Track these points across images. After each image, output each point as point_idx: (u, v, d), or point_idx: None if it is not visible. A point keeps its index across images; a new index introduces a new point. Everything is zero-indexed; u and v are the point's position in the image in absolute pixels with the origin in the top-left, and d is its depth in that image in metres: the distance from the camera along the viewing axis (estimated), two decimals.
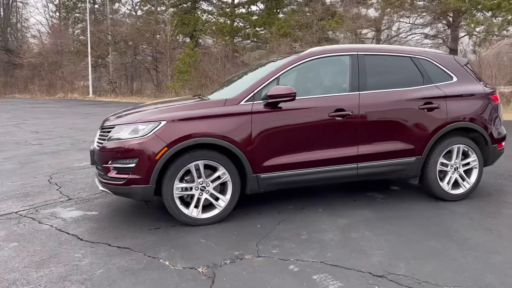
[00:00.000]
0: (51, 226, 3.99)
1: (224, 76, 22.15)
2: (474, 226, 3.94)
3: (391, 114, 4.43)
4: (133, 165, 3.81)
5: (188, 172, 3.90)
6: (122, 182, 3.86)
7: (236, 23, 32.51)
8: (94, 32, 31.80)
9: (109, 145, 3.96)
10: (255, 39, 29.74)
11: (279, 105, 4.08)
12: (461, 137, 4.69)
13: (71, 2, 49.26)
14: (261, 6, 31.69)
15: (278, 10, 30.02)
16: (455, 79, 4.78)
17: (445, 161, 4.64)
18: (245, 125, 3.99)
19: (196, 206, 3.94)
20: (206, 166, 3.95)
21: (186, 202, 3.97)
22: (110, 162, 3.93)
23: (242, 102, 4.07)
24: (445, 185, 4.66)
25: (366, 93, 4.38)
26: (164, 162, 3.80)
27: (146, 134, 3.83)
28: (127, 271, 3.06)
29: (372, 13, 24.69)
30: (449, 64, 4.84)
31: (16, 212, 4.40)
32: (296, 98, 4.15)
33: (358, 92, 4.36)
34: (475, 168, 4.76)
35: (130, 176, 3.82)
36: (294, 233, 3.78)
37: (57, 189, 5.30)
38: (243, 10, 32.08)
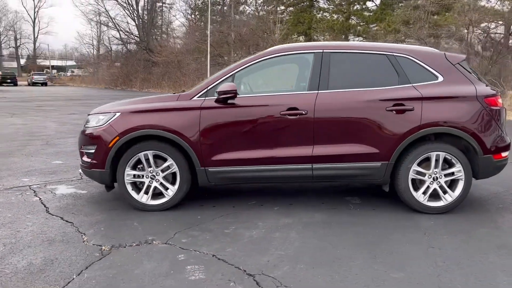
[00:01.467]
0: (39, 198, 4.70)
1: None
2: (417, 241, 3.57)
3: (351, 115, 4.19)
4: (93, 151, 4.30)
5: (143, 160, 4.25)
6: (87, 165, 4.38)
7: (351, 20, 31.91)
8: (213, 32, 34.07)
9: (83, 132, 4.51)
10: (364, 36, 28.79)
11: (230, 102, 4.19)
12: (443, 143, 4.22)
13: (204, 5, 53.19)
14: (377, 1, 30.56)
15: (393, 6, 28.60)
16: (440, 79, 4.30)
17: (420, 169, 4.22)
18: (194, 119, 4.19)
19: (147, 193, 4.28)
20: (157, 157, 4.25)
21: (140, 189, 4.33)
22: (82, 147, 4.48)
23: (195, 98, 4.27)
24: (420, 195, 4.24)
25: (325, 93, 4.22)
26: (116, 150, 4.20)
27: (104, 124, 4.29)
28: (48, 240, 3.53)
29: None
30: (435, 62, 4.36)
31: (29, 186, 5.24)
32: (250, 95, 4.22)
33: (316, 91, 4.22)
34: (460, 179, 4.24)
35: (92, 161, 4.32)
36: (223, 227, 3.88)
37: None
38: (358, 7, 31.28)
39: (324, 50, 4.35)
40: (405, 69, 4.30)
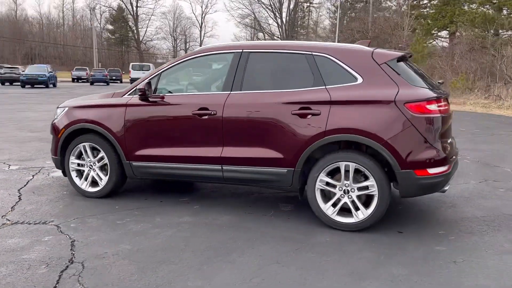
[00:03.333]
0: (33, 178, 5.56)
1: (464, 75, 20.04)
2: (272, 255, 3.32)
3: (257, 118, 4.02)
4: (52, 140, 4.97)
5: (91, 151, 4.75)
6: (51, 153, 5.07)
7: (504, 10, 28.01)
8: (353, 29, 33.46)
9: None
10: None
11: (152, 100, 4.40)
12: (353, 153, 3.76)
13: (348, 3, 52.35)
14: None
15: None
16: (359, 80, 3.83)
17: (330, 180, 3.84)
18: (120, 116, 4.51)
19: (86, 180, 4.77)
20: (94, 149, 4.70)
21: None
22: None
23: (125, 95, 4.59)
24: (328, 209, 3.87)
25: (236, 93, 4.13)
26: (63, 141, 4.78)
27: (57, 117, 4.91)
28: None
29: None
30: (356, 62, 3.88)
31: (43, 167, 6.21)
32: (168, 94, 4.39)
33: (228, 92, 4.16)
34: (375, 195, 3.73)
35: (52, 149, 4.99)
36: (121, 218, 4.12)
37: None
38: None
39: (243, 50, 4.24)
40: (321, 70, 3.94)
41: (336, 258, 3.30)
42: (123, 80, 43.58)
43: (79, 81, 42.45)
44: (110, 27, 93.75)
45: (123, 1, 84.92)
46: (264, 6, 47.02)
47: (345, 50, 4.04)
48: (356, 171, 3.76)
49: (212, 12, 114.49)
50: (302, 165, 3.89)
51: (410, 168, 3.63)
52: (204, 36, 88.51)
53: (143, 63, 39.43)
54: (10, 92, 23.83)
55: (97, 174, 4.71)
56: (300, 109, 3.87)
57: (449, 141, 3.92)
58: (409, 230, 3.90)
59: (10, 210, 4.30)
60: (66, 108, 4.86)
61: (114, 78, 42.38)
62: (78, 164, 4.79)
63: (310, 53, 4.01)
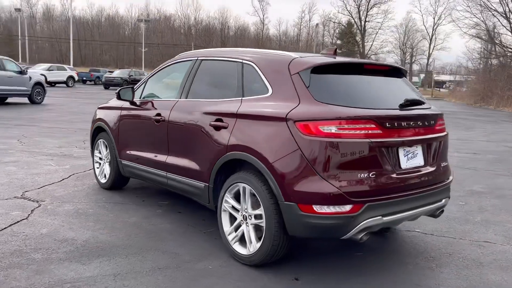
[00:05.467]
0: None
1: None
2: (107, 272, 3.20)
3: (188, 127, 3.88)
4: None
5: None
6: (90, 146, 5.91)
7: None
8: None
9: None
10: None
11: (135, 105, 4.72)
12: (250, 174, 3.26)
13: None
14: None
15: None
16: (269, 92, 3.29)
17: (234, 202, 3.43)
18: (117, 116, 4.99)
19: (102, 172, 5.41)
20: (106, 145, 5.29)
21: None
22: None
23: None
24: (230, 234, 3.46)
25: (181, 101, 4.09)
26: (91, 136, 5.55)
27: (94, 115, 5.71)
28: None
29: None
30: (273, 71, 3.34)
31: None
32: (143, 99, 4.64)
33: (177, 99, 4.14)
34: (262, 226, 3.16)
35: (90, 142, 5.82)
36: (85, 208, 4.59)
37: None
38: None
39: (198, 58, 4.15)
40: (245, 78, 3.55)
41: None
42: None
43: None
44: (338, 42, 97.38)
45: (352, 17, 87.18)
46: (496, 14, 40.96)
47: (268, 58, 3.52)
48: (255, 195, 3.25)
49: (445, 24, 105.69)
50: (213, 182, 3.58)
51: (293, 201, 2.93)
52: (433, 49, 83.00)
53: None
54: None
55: (107, 168, 5.30)
56: (215, 120, 3.57)
57: (367, 175, 2.96)
58: (308, 278, 3.13)
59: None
60: (96, 109, 5.62)
61: None
62: (100, 158, 5.47)
63: (241, 61, 3.64)
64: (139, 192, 5.28)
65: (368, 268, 3.41)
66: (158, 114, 4.25)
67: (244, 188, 3.28)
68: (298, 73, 3.17)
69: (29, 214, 4.28)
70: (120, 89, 4.73)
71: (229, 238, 3.44)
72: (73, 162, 6.80)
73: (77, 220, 4.16)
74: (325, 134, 2.87)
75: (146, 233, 3.91)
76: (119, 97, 4.70)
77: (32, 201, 4.71)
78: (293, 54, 3.41)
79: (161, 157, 4.23)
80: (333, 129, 2.87)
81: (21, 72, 16.63)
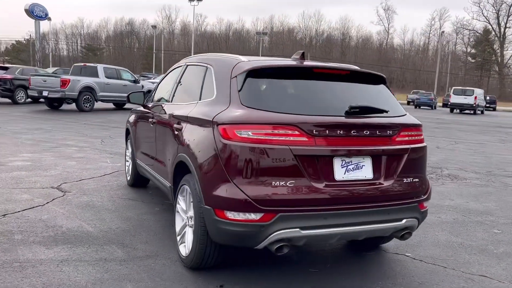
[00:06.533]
0: None
1: None
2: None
3: (163, 129, 4.05)
4: None
5: None
6: None
7: None
8: None
9: None
10: None
11: (147, 107, 5.04)
12: (190, 175, 3.28)
13: None
14: None
15: None
16: (214, 95, 3.29)
17: (183, 204, 3.49)
18: (134, 119, 5.42)
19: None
20: None
21: None
22: None
23: None
24: (179, 235, 3.51)
25: (166, 104, 4.30)
26: (125, 137, 6.04)
27: None
28: None
29: None
30: (221, 75, 3.35)
31: None
32: (150, 103, 4.92)
33: (166, 103, 4.34)
34: (192, 228, 3.18)
35: None
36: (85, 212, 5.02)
37: None
38: None
39: (186, 63, 4.29)
40: (204, 82, 3.60)
41: None
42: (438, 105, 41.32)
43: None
44: (473, 51, 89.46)
45: (489, 23, 79.34)
46: None
47: (221, 62, 3.50)
48: None
49: None
50: (173, 182, 3.68)
51: (211, 206, 2.88)
52: None
53: (466, 88, 35.97)
54: None
55: (130, 166, 5.72)
56: (177, 123, 3.67)
57: (283, 183, 2.75)
58: (231, 282, 3.03)
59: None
60: (130, 112, 6.10)
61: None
62: (129, 157, 5.93)
63: (206, 65, 3.70)
64: (155, 190, 5.59)
65: (315, 285, 3.17)
66: (152, 117, 4.50)
67: (186, 190, 3.32)
68: (236, 76, 3.12)
69: (47, 202, 4.84)
70: (130, 93, 5.10)
71: (178, 239, 3.50)
72: None
73: (80, 211, 4.59)
74: (240, 139, 2.78)
75: (125, 228, 4.15)
76: (128, 101, 5.06)
77: (61, 191, 5.31)
78: (243, 58, 3.36)
79: (151, 157, 4.48)
80: (248, 134, 2.77)
81: (135, 81, 18.62)
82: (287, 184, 2.77)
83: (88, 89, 16.62)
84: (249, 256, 3.62)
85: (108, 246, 3.69)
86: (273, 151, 2.75)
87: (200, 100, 3.52)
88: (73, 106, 17.34)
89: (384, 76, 3.51)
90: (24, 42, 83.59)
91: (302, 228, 2.78)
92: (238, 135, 2.78)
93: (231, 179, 2.78)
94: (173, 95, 4.24)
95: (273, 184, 2.75)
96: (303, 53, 3.52)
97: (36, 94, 16.57)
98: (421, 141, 3.30)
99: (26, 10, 29.88)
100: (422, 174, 3.28)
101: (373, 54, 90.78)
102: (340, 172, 2.92)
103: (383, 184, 3.03)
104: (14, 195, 5.04)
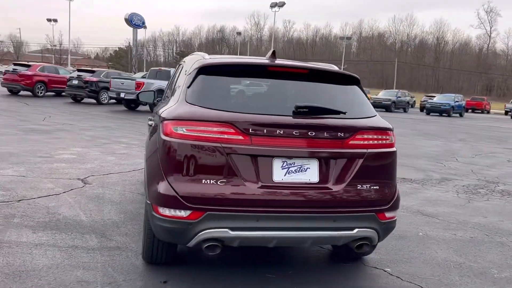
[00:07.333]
0: None
1: None
2: None
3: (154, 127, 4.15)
4: None
5: None
6: None
7: None
8: None
9: None
10: None
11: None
12: None
13: None
14: None
15: None
16: (176, 92, 3.34)
17: None
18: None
19: None
20: None
21: None
22: None
23: None
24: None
25: (160, 103, 4.38)
26: None
27: None
28: None
29: None
30: (184, 72, 3.40)
31: None
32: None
33: (162, 101, 4.45)
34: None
35: None
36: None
37: None
38: None
39: (180, 63, 4.37)
40: (178, 80, 3.65)
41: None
42: None
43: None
44: None
45: None
46: None
47: (190, 59, 3.52)
48: None
49: None
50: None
51: (150, 201, 2.91)
52: None
53: None
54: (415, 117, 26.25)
55: None
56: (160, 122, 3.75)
57: (213, 182, 2.67)
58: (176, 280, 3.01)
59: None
60: None
61: None
62: None
63: (182, 63, 3.77)
64: None
65: None
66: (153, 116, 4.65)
67: None
68: (190, 73, 3.13)
69: (64, 192, 5.22)
70: (140, 92, 5.30)
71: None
72: None
73: (86, 201, 4.88)
74: (176, 135, 2.78)
75: (116, 220, 4.33)
76: (138, 99, 5.27)
77: (83, 183, 5.69)
78: (207, 56, 3.35)
79: None
80: (183, 131, 2.77)
81: None
82: (218, 182, 2.71)
83: (161, 91, 17.53)
84: (207, 256, 3.58)
85: (88, 235, 3.88)
86: (206, 148, 2.72)
87: (172, 96, 3.58)
88: (147, 107, 18.44)
89: (356, 76, 3.28)
90: (125, 48, 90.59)
91: (232, 229, 2.70)
92: (175, 131, 2.79)
93: (164, 175, 2.79)
94: (165, 94, 4.35)
95: (203, 182, 2.71)
96: (273, 52, 3.42)
97: (115, 96, 17.92)
98: (386, 145, 3.03)
99: (125, 19, 32.41)
100: (386, 182, 3.01)
101: (471, 59, 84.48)
102: (279, 173, 2.79)
103: (331, 189, 2.84)
104: (41, 183, 5.51)
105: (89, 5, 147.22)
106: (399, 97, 32.19)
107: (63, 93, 21.51)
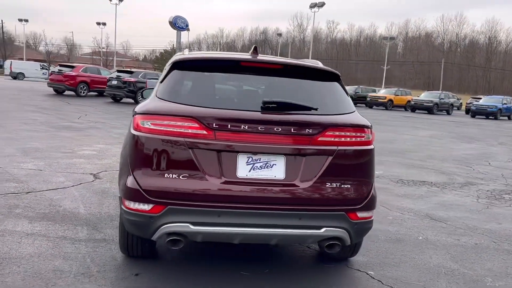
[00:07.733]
0: None
1: None
2: None
3: None
4: None
5: None
6: None
7: None
8: None
9: None
10: None
11: None
12: None
13: None
14: None
15: None
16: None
17: None
18: None
19: None
20: None
21: None
22: None
23: None
24: None
25: None
26: None
27: None
28: None
29: None
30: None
31: None
32: None
33: None
34: None
35: None
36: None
37: None
38: None
39: None
40: None
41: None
42: None
43: None
44: None
45: None
46: None
47: (174, 56, 3.51)
48: None
49: None
50: None
51: (119, 194, 2.96)
52: None
53: None
54: (456, 120, 25.23)
55: None
56: None
57: (175, 176, 2.67)
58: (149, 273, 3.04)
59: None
60: None
61: None
62: None
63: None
64: None
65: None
66: None
67: None
68: (166, 69, 3.17)
69: (72, 186, 5.41)
70: (144, 89, 5.38)
71: None
72: None
73: (91, 195, 5.03)
74: (142, 129, 2.81)
75: (112, 214, 4.42)
76: (142, 97, 5.35)
77: (94, 177, 5.87)
78: (186, 52, 3.37)
79: None
80: (148, 125, 2.79)
81: None
82: (180, 177, 2.71)
83: None
84: (185, 251, 3.60)
85: (80, 227, 3.99)
86: (170, 143, 2.73)
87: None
88: None
89: (335, 72, 3.18)
90: (170, 50, 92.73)
91: (193, 224, 2.70)
92: (142, 125, 2.82)
93: (130, 168, 2.83)
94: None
95: (166, 176, 2.72)
96: (255, 48, 3.38)
97: None
98: (361, 143, 2.92)
99: (170, 22, 33.09)
100: (359, 180, 2.90)
101: None
102: (244, 169, 2.75)
103: (297, 186, 2.77)
104: (54, 177, 5.73)
105: (138, 8, 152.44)
106: (442, 98, 31.03)
107: (105, 93, 22.32)
